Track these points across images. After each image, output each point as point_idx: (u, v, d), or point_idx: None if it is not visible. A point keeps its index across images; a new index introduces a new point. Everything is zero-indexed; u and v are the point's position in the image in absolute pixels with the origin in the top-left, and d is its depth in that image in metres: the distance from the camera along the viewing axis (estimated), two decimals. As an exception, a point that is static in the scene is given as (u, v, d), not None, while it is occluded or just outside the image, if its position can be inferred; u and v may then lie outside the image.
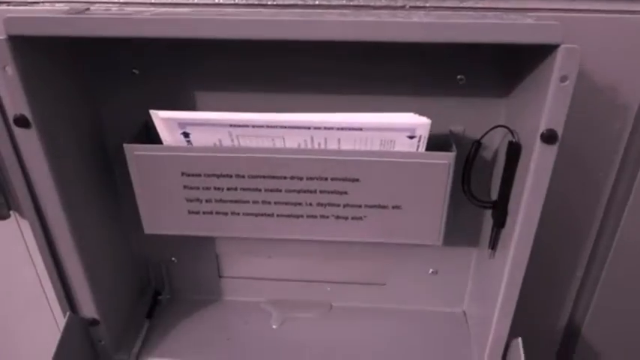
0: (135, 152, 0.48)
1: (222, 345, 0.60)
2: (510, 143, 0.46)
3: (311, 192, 0.49)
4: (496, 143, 0.51)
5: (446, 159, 0.46)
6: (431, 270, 0.62)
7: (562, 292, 0.66)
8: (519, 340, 0.52)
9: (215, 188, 0.49)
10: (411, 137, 0.45)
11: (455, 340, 0.60)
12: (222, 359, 0.59)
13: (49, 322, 0.76)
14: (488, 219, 0.53)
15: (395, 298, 0.64)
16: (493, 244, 0.51)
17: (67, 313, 0.55)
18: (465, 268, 0.61)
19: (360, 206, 0.49)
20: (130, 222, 0.58)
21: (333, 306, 0.65)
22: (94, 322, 0.56)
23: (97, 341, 0.58)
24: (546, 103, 0.40)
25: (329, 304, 0.65)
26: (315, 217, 0.50)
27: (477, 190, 0.50)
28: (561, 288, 0.66)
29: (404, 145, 0.46)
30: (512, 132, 0.46)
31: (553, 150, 0.42)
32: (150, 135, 0.50)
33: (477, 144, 0.49)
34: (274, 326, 0.63)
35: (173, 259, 0.64)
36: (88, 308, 0.54)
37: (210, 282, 0.65)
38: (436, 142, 0.47)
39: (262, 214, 0.51)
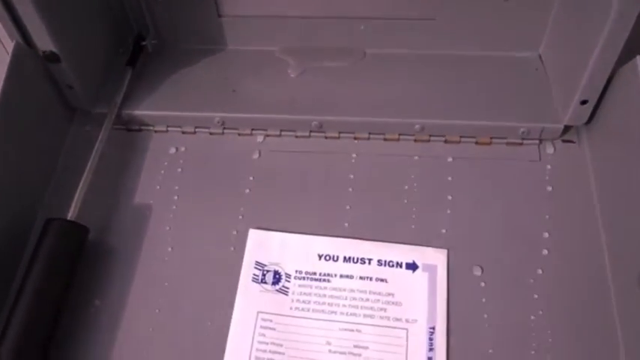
0: None
1: (225, 97, 0.48)
2: None
3: None
4: None
5: None
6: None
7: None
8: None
9: None
10: None
11: (528, 90, 0.46)
12: (226, 112, 0.47)
13: None
14: None
15: (447, 39, 0.49)
16: None
17: (14, 41, 0.42)
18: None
19: None
20: None
21: (367, 53, 0.51)
22: (52, 57, 0.43)
23: (65, 86, 0.46)
24: None
25: (362, 50, 0.51)
26: None
27: None
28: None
29: None
30: None
31: None
32: None
33: None
34: (292, 75, 0.50)
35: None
36: (41, 37, 0.41)
37: (208, 24, 0.50)
38: None
39: None
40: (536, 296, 0.39)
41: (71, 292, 0.40)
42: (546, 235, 0.41)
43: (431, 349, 0.37)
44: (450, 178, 0.44)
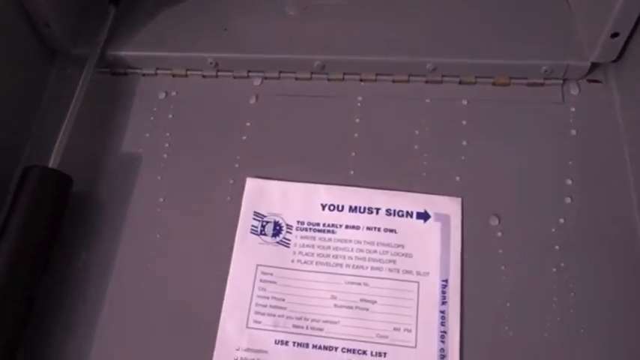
0: None
1: (218, 37, 0.43)
2: None
3: None
4: None
5: None
6: None
7: None
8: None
9: None
10: None
11: (550, 25, 0.41)
12: (220, 52, 0.43)
13: None
14: None
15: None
16: None
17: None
18: None
19: None
20: None
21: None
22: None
23: (42, 25, 0.42)
24: None
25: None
26: None
27: None
28: None
29: None
30: None
31: None
32: None
33: None
34: (291, 12, 0.46)
35: None
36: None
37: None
38: None
39: None
40: (557, 247, 0.36)
41: (56, 246, 0.37)
42: (569, 182, 0.38)
43: (444, 303, 0.35)
44: (464, 122, 0.41)
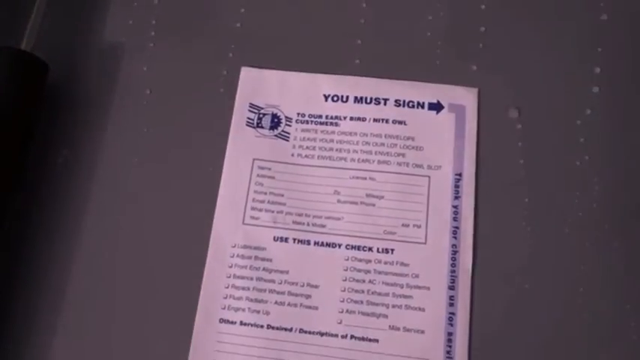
0: None
1: None
2: None
3: None
4: None
5: None
6: None
7: None
8: None
9: None
10: None
11: None
12: None
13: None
14: None
15: None
16: None
17: None
18: None
19: None
20: None
21: None
22: None
23: None
24: None
25: None
26: None
27: None
28: None
29: None
30: None
31: None
32: None
33: None
34: None
35: None
36: None
37: None
38: None
39: None
40: (582, 139, 0.33)
41: (32, 142, 0.34)
42: (598, 70, 0.34)
43: (457, 197, 0.32)
44: (483, 7, 0.36)
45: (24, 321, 0.31)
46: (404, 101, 0.34)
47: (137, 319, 0.31)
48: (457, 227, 0.31)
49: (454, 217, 0.31)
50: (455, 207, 0.32)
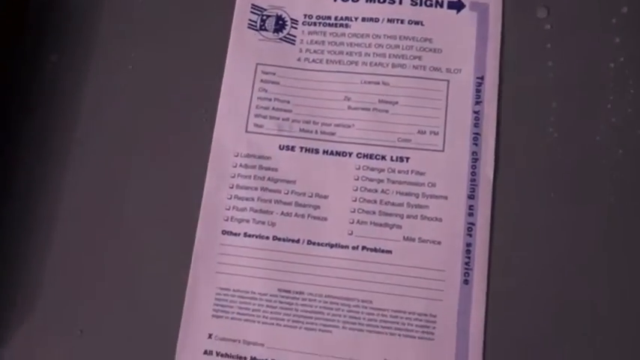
0: None
1: None
2: None
3: None
4: None
5: None
6: None
7: None
8: None
9: None
10: None
11: None
12: None
13: None
14: None
15: None
16: None
17: None
18: None
19: None
20: None
21: None
22: None
23: None
24: None
25: None
26: None
27: None
28: None
29: None
30: None
31: None
32: None
33: None
34: None
35: None
36: None
37: None
38: None
39: None
40: (618, 40, 0.30)
41: (18, 45, 0.31)
42: (637, -37, 0.32)
43: (478, 102, 0.29)
44: None
45: (20, 231, 0.30)
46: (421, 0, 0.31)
47: (135, 231, 0.29)
48: (478, 134, 0.29)
49: (475, 124, 0.29)
50: (476, 112, 0.29)
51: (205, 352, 0.27)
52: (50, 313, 0.29)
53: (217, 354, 0.27)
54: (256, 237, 0.28)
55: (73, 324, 0.29)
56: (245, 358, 0.27)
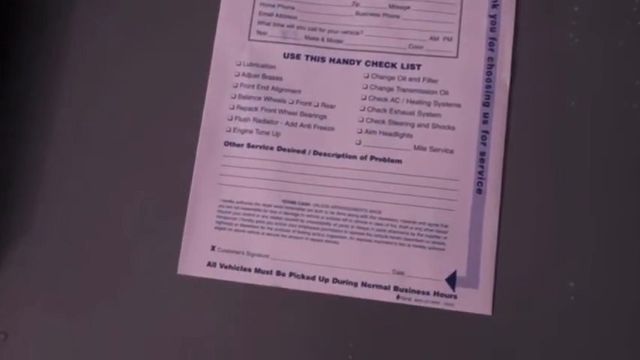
0: None
1: None
2: None
3: None
4: None
5: None
6: None
7: None
8: None
9: None
10: None
11: None
12: None
13: None
14: None
15: None
16: None
17: None
18: None
19: None
20: None
21: None
22: None
23: None
24: None
25: None
26: None
27: None
28: None
29: None
30: None
31: None
32: None
33: None
34: None
35: None
36: None
37: None
38: None
39: None
40: (645, -59, 0.29)
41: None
42: None
43: (495, 6, 0.27)
44: None
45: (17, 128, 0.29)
46: None
47: (136, 143, 0.28)
48: (494, 39, 0.27)
49: (491, 28, 0.27)
50: (492, 17, 0.28)
51: (209, 264, 0.27)
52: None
53: (221, 265, 0.27)
54: (260, 147, 0.27)
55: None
56: (249, 269, 0.27)
